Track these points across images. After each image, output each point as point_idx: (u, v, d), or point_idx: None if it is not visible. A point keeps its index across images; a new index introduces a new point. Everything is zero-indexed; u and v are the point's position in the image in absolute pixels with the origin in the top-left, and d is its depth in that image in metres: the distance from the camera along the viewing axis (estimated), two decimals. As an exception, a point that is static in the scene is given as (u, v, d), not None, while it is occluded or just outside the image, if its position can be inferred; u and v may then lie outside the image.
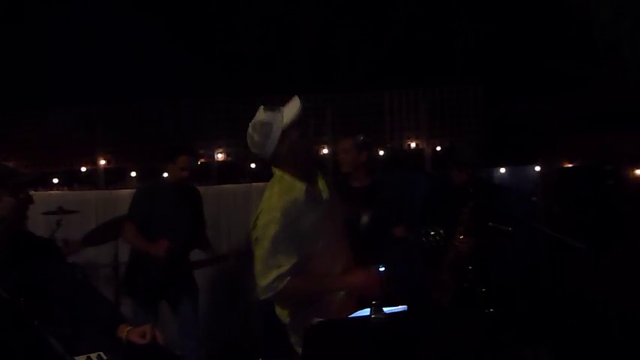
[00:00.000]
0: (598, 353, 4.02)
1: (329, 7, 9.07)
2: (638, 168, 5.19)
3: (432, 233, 3.57)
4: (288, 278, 2.30)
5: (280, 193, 2.38)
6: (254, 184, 6.12)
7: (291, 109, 2.39)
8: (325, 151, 6.60)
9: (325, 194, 2.48)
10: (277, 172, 2.46)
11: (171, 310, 4.46)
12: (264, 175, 6.40)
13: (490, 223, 3.37)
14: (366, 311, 1.84)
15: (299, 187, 2.38)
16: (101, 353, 2.11)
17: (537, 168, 5.90)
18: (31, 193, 2.35)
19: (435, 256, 3.75)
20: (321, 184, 2.50)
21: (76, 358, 2.04)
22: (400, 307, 1.93)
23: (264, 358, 5.02)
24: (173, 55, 8.44)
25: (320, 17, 9.12)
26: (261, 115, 2.41)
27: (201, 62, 8.79)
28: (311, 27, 9.16)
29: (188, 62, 8.50)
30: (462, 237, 3.68)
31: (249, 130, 2.43)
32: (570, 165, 5.43)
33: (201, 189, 4.84)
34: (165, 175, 4.58)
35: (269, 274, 2.30)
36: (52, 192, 6.16)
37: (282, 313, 2.54)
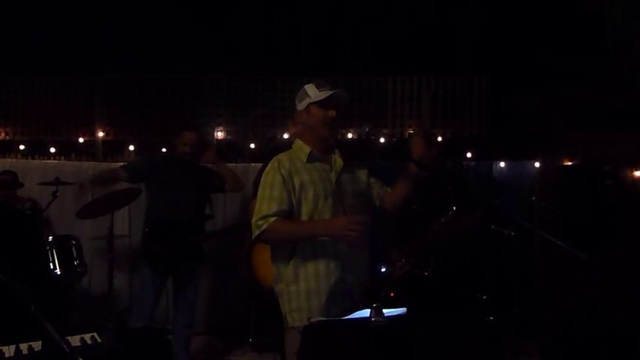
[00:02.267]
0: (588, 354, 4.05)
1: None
2: (637, 169, 5.17)
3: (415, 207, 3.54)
4: (274, 219, 2.50)
5: (288, 152, 2.71)
6: (252, 164, 6.10)
7: (326, 91, 2.62)
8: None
9: (338, 165, 2.69)
10: (295, 141, 2.76)
11: (174, 283, 4.44)
12: (263, 155, 6.44)
13: (492, 226, 3.35)
14: (366, 312, 1.84)
15: (304, 150, 2.67)
16: (95, 334, 2.11)
17: (537, 164, 5.86)
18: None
19: (407, 233, 3.70)
20: (337, 158, 2.72)
21: (69, 338, 2.03)
22: (400, 309, 1.93)
23: (254, 337, 5.06)
24: (177, 30, 8.33)
25: (326, -1, 9.00)
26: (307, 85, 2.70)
27: (205, 38, 8.68)
28: (316, 8, 9.04)
29: (192, 38, 8.39)
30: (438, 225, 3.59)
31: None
32: (569, 162, 5.39)
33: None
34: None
35: (259, 213, 2.54)
36: (48, 161, 6.13)
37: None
